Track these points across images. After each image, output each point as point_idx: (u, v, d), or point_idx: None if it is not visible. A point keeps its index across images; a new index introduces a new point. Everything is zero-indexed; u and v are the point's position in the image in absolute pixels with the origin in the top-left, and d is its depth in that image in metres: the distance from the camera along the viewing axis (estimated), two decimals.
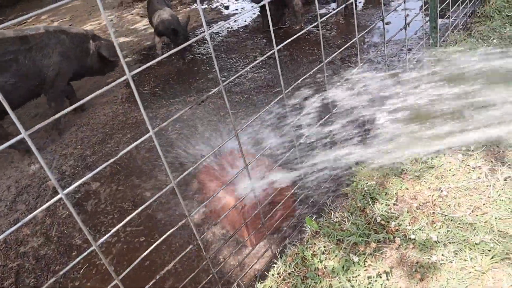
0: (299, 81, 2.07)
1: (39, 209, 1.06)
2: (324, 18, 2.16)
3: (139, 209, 1.37)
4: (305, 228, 2.14)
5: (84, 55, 4.05)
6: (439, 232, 1.96)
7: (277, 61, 1.73)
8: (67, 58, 3.86)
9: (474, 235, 1.90)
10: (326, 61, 2.11)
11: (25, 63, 3.52)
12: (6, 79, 3.39)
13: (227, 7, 7.48)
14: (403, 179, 2.33)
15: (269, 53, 1.76)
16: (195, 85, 4.60)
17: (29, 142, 0.94)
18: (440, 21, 3.66)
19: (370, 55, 4.22)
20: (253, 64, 1.72)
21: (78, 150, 3.64)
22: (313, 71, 2.09)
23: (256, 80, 4.30)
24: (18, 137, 0.95)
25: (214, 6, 7.73)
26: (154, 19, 5.32)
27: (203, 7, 7.82)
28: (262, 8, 5.60)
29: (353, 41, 2.28)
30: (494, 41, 3.53)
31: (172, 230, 1.54)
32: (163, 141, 3.41)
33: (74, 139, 3.85)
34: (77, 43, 3.97)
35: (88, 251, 1.20)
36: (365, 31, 2.73)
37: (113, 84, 1.13)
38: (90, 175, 1.16)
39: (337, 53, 2.49)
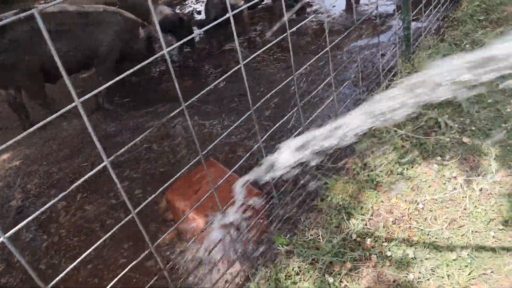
0: (269, 95, 1.99)
1: None
2: (294, 29, 2.09)
3: (96, 244, 1.26)
4: (278, 247, 2.06)
5: (133, 38, 4.36)
6: (415, 248, 1.91)
7: (244, 77, 1.65)
8: (120, 38, 4.16)
9: (451, 251, 1.85)
10: (296, 73, 2.04)
11: (80, 36, 3.84)
12: (60, 48, 3.73)
13: (200, 12, 7.36)
14: (378, 191, 2.27)
15: (235, 68, 1.69)
16: (166, 94, 4.48)
17: None
18: (413, 24, 3.64)
19: (344, 61, 4.19)
20: (222, 78, 1.62)
21: (44, 167, 3.47)
22: (285, 82, 2.01)
23: (229, 89, 4.21)
24: None
25: (186, 11, 7.60)
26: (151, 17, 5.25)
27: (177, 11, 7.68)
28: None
29: (325, 50, 2.22)
30: (467, 46, 3.53)
31: (134, 262, 1.44)
32: (131, 157, 3.27)
33: (40, 155, 3.67)
34: (130, 26, 4.27)
35: None
36: (338, 38, 2.68)
37: (88, 96, 1.03)
38: (46, 207, 1.05)
39: (311, 61, 2.41)
